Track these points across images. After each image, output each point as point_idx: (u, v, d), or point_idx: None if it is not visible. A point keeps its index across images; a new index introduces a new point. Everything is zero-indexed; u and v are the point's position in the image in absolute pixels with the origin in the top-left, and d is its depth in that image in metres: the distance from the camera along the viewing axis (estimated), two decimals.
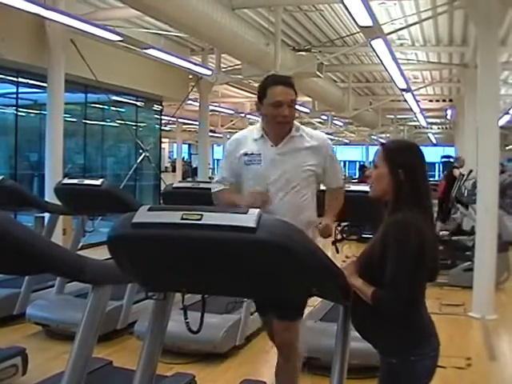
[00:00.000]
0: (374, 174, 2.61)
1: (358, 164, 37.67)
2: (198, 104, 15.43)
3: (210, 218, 2.02)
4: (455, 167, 13.36)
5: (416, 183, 2.52)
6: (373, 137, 28.09)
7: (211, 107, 17.00)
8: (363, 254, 2.61)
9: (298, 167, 3.46)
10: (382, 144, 2.68)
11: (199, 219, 2.01)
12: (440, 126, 30.43)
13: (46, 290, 6.39)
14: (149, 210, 2.15)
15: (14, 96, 10.26)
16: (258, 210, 2.05)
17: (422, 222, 2.46)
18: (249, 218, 2.00)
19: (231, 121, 22.58)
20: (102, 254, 3.27)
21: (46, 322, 5.65)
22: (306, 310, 5.45)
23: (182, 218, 2.03)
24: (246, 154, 3.49)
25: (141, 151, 13.57)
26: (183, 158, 31.62)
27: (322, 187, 3.73)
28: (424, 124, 24.21)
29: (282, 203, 3.39)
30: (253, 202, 3.27)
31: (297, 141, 3.49)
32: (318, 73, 10.97)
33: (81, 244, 6.86)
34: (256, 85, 11.67)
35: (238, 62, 11.67)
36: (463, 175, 11.38)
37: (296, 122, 3.56)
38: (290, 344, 3.52)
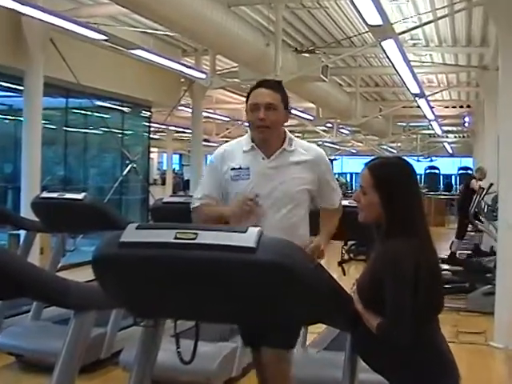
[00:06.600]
0: (363, 201, 2.63)
1: None
2: (190, 110, 15.48)
3: (206, 237, 2.03)
4: (474, 178, 13.36)
5: (410, 209, 2.55)
6: (382, 146, 28.17)
7: (205, 114, 17.05)
8: (360, 278, 2.64)
9: (290, 183, 3.44)
10: (369, 166, 2.65)
11: (194, 238, 2.03)
12: (457, 135, 30.56)
13: (20, 316, 6.35)
14: (138, 228, 2.16)
15: None
16: (258, 228, 2.06)
17: (417, 247, 2.49)
18: (248, 237, 2.01)
19: (227, 129, 22.65)
20: (83, 275, 3.29)
21: (21, 351, 5.62)
22: (310, 338, 5.48)
23: (175, 237, 2.04)
24: (233, 169, 3.47)
25: (127, 162, 13.61)
26: (174, 170, 31.66)
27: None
28: (439, 132, 24.33)
29: (273, 222, 3.34)
30: (241, 213, 3.30)
31: (290, 154, 3.48)
32: (322, 76, 11.04)
33: (60, 264, 6.85)
34: None
35: (235, 65, 11.71)
36: (483, 189, 11.40)
37: (290, 134, 3.56)
38: (283, 377, 3.49)
